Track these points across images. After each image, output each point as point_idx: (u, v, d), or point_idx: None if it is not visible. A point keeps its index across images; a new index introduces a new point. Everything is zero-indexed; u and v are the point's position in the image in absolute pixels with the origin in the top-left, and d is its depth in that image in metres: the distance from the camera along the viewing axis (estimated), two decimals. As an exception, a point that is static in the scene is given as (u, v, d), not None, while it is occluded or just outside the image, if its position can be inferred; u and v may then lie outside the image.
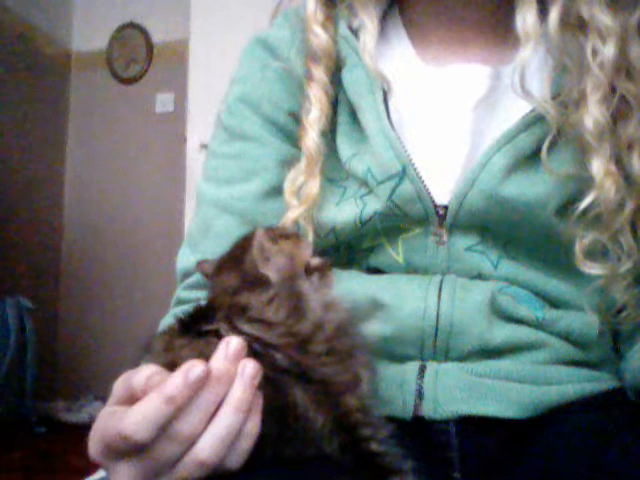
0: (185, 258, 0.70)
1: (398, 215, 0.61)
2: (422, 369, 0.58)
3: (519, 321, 0.59)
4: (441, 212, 0.60)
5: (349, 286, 0.61)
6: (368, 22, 0.63)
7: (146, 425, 0.39)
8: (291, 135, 0.67)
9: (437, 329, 0.58)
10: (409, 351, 0.59)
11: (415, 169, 0.60)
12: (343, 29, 0.65)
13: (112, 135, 3.33)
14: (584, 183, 0.57)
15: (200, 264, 0.56)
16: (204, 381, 0.40)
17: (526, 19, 0.57)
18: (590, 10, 0.56)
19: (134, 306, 3.12)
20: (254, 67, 0.70)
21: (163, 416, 0.39)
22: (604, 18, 0.56)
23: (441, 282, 0.59)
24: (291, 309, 0.46)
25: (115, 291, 3.25)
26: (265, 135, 0.68)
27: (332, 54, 0.64)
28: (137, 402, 0.40)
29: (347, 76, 0.64)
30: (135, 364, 0.45)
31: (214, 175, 0.70)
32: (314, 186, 0.62)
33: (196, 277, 0.67)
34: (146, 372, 0.41)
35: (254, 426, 0.42)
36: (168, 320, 0.64)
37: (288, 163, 0.65)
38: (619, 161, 0.57)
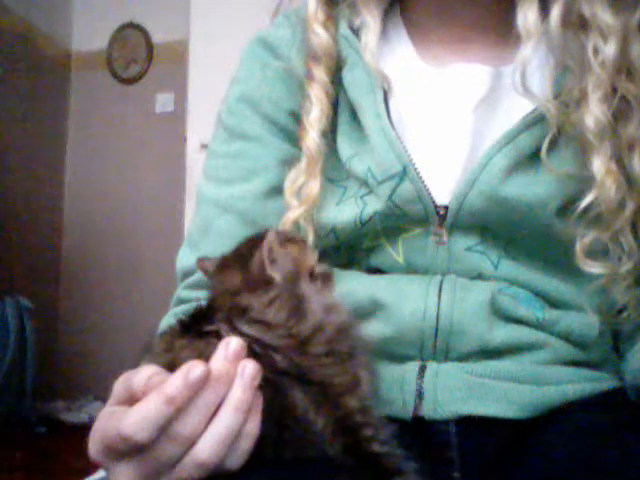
0: (185, 258, 0.70)
1: (398, 215, 0.61)
2: (422, 369, 0.58)
3: (519, 321, 0.59)
4: (441, 212, 0.60)
5: (349, 286, 0.61)
6: (370, 21, 0.63)
7: (146, 425, 0.39)
8: (291, 135, 0.67)
9: (437, 329, 0.58)
10: (409, 351, 0.59)
11: (415, 169, 0.60)
12: (344, 29, 0.65)
13: (112, 135, 3.33)
14: (585, 183, 0.57)
15: (200, 262, 0.56)
16: (204, 382, 0.40)
17: (527, 17, 0.57)
18: (591, 8, 0.56)
19: (134, 306, 3.12)
20: (254, 67, 0.70)
21: (163, 417, 0.39)
22: (605, 17, 0.56)
23: (441, 282, 0.59)
24: (292, 311, 0.46)
25: (115, 291, 3.25)
26: (265, 135, 0.68)
27: (333, 54, 0.64)
28: (137, 402, 0.40)
29: (347, 76, 0.64)
30: (135, 364, 0.45)
31: (214, 175, 0.70)
32: (314, 186, 0.62)
33: (196, 277, 0.67)
34: (146, 372, 0.41)
35: (254, 427, 0.42)
36: (168, 319, 0.64)
37: (288, 163, 0.65)
38: (619, 161, 0.57)
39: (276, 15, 0.73)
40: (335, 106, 0.65)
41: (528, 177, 0.59)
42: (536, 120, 0.58)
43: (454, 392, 0.56)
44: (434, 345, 0.58)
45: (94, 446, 0.42)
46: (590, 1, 0.56)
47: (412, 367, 0.58)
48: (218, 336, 0.44)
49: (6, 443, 2.38)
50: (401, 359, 0.59)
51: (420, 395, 0.57)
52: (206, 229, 0.68)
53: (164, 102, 3.23)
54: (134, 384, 0.41)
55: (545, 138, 0.57)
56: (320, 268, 0.52)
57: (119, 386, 0.44)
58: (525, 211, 0.58)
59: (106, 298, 3.24)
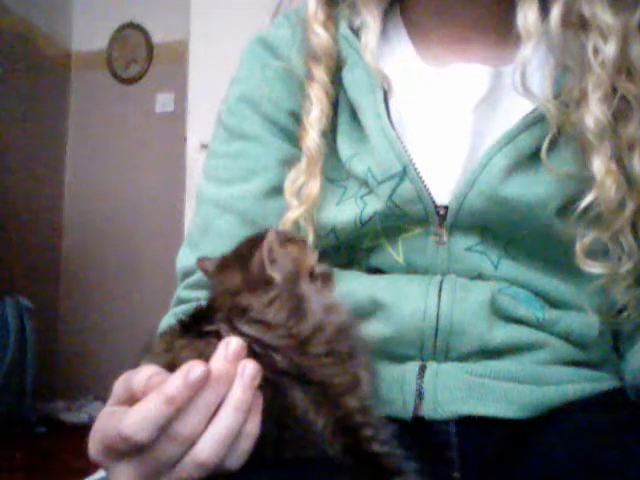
0: (185, 258, 0.70)
1: (398, 215, 0.61)
2: (422, 369, 0.58)
3: (519, 321, 0.59)
4: (441, 212, 0.60)
5: (349, 286, 0.61)
6: (371, 21, 0.63)
7: (146, 425, 0.39)
8: (291, 135, 0.67)
9: (437, 329, 0.58)
10: (409, 351, 0.59)
11: (415, 169, 0.60)
12: (344, 29, 0.65)
13: (112, 135, 3.33)
14: (584, 183, 0.57)
15: (200, 262, 0.56)
16: (204, 382, 0.40)
17: (527, 16, 0.57)
18: (592, 8, 0.56)
19: (134, 306, 3.12)
20: (254, 67, 0.70)
21: (163, 417, 0.39)
22: (605, 17, 0.56)
23: (441, 282, 0.59)
24: (292, 311, 0.46)
25: (115, 291, 3.25)
26: (265, 135, 0.68)
27: (333, 54, 0.64)
28: (137, 402, 0.40)
29: (347, 76, 0.64)
30: (135, 364, 0.45)
31: (214, 175, 0.70)
32: (314, 186, 0.62)
33: (196, 277, 0.67)
34: (146, 372, 0.41)
35: (254, 427, 0.42)
36: (168, 319, 0.64)
37: (288, 163, 0.65)
38: (619, 161, 0.57)
39: (276, 15, 0.73)
40: (335, 106, 0.65)
41: (528, 177, 0.59)
42: (536, 120, 0.58)
43: (454, 392, 0.56)
44: (434, 345, 0.58)
45: (94, 446, 0.42)
46: (590, 1, 0.56)
47: (412, 367, 0.58)
48: (218, 336, 0.45)
49: (6, 443, 2.38)
50: (401, 359, 0.59)
51: (420, 395, 0.57)
52: (206, 229, 0.68)
53: (164, 102, 3.23)
54: (134, 384, 0.41)
55: (545, 138, 0.57)
56: (320, 268, 0.52)
57: (119, 386, 0.44)
58: (525, 211, 0.58)
59: (106, 298, 3.24)
